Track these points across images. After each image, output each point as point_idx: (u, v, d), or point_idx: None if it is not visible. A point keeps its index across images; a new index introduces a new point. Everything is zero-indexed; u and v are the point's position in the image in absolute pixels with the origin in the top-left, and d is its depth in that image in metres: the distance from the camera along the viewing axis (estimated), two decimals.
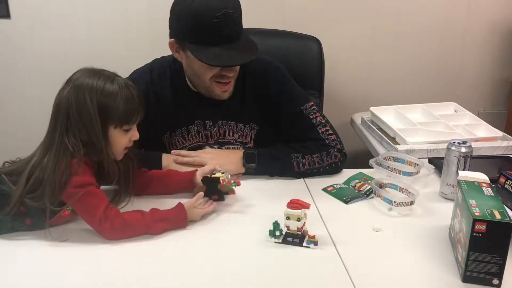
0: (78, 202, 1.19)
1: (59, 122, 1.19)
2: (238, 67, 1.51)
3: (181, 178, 1.42)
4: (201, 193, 1.32)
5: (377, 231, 1.28)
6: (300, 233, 1.21)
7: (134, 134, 1.29)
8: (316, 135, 1.57)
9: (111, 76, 1.24)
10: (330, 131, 1.59)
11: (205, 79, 1.49)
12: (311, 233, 1.21)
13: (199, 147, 1.60)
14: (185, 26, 1.42)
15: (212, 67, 1.44)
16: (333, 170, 1.57)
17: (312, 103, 1.61)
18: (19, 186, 1.18)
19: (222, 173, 1.36)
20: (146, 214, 1.24)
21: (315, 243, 1.19)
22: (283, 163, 1.54)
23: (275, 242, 1.21)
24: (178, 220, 1.26)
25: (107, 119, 1.22)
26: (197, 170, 1.41)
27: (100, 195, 1.22)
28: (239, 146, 1.62)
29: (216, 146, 1.61)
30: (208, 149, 1.58)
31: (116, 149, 1.27)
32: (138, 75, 1.58)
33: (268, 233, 1.22)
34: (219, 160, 1.48)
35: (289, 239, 1.21)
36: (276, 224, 1.21)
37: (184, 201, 1.30)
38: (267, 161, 1.54)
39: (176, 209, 1.27)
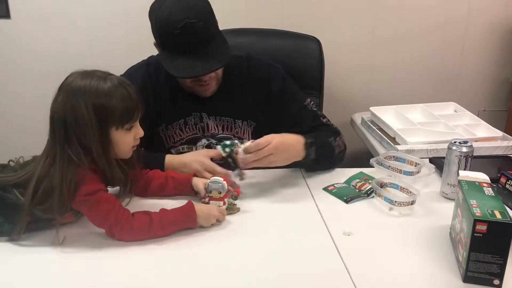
0: (89, 209, 1.18)
1: (57, 132, 1.16)
2: (216, 71, 1.52)
3: (177, 183, 1.40)
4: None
5: (377, 231, 1.28)
6: (239, 166, 1.38)
7: (138, 132, 1.25)
8: (323, 122, 1.64)
9: (103, 76, 1.19)
10: (330, 122, 1.67)
11: (184, 82, 1.54)
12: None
13: (196, 140, 1.62)
14: (154, 34, 1.48)
15: None
16: (344, 154, 1.63)
17: (310, 99, 1.67)
18: (27, 199, 1.15)
19: (219, 192, 1.32)
20: (154, 220, 1.20)
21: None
22: (328, 149, 1.56)
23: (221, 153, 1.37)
24: (187, 221, 1.24)
25: (106, 122, 1.17)
26: (194, 175, 1.41)
27: (111, 200, 1.20)
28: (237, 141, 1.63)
29: (214, 141, 1.62)
30: (273, 141, 1.40)
31: (123, 150, 1.23)
32: (134, 69, 1.63)
33: (222, 145, 1.37)
34: (281, 156, 1.41)
35: (229, 160, 1.38)
36: (232, 145, 1.37)
37: (184, 202, 1.30)
38: (319, 149, 1.51)
39: (185, 210, 1.25)
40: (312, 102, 1.66)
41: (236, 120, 1.62)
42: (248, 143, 1.37)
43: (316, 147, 1.50)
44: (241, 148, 1.36)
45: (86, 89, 1.15)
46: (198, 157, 1.48)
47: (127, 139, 1.23)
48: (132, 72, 1.61)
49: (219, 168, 1.43)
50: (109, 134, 1.19)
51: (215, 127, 1.62)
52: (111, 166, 1.21)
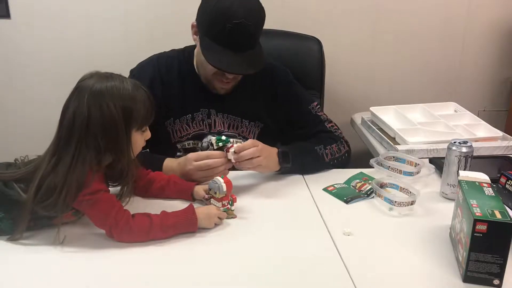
0: (89, 208, 1.18)
1: (76, 132, 1.15)
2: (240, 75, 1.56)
3: (179, 189, 1.40)
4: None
5: (377, 231, 1.28)
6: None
7: (147, 134, 1.28)
8: (325, 128, 1.66)
9: (122, 79, 1.21)
10: (336, 126, 1.69)
11: (208, 72, 1.55)
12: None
13: (202, 136, 1.63)
14: (205, 19, 1.49)
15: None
16: (347, 159, 1.65)
17: (316, 102, 1.71)
18: (30, 195, 1.15)
19: (215, 193, 1.32)
20: (154, 222, 1.20)
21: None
22: (313, 156, 1.57)
23: (213, 140, 1.41)
24: (187, 226, 1.23)
25: (130, 123, 1.19)
26: (197, 183, 1.41)
27: (111, 200, 1.20)
28: (242, 140, 1.64)
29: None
30: (256, 146, 1.45)
31: (136, 150, 1.25)
32: (145, 63, 1.65)
33: (217, 137, 1.40)
34: (266, 161, 1.46)
35: None
36: (226, 141, 1.39)
37: (185, 203, 1.29)
38: (300, 156, 1.55)
39: (186, 214, 1.24)
40: (318, 106, 1.70)
41: (244, 120, 1.65)
42: (239, 144, 1.42)
43: (293, 157, 1.53)
44: (232, 148, 1.39)
45: (113, 90, 1.17)
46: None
47: (140, 141, 1.26)
48: (143, 65, 1.64)
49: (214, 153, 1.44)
50: (131, 135, 1.21)
51: (222, 124, 1.64)
52: (130, 165, 1.22)
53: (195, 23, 1.54)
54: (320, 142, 1.60)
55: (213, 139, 1.43)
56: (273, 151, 1.52)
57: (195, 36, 1.56)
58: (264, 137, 1.64)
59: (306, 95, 1.72)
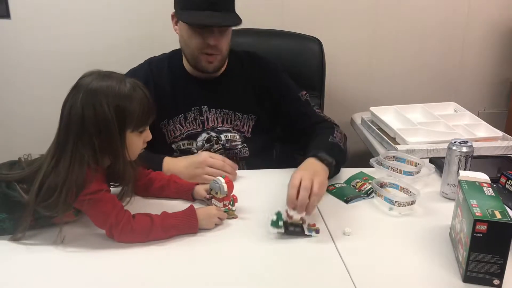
0: (90, 208, 1.18)
1: (72, 131, 1.15)
2: (223, 42, 1.55)
3: (179, 188, 1.40)
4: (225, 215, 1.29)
5: (377, 231, 1.28)
6: (300, 222, 1.23)
7: (148, 135, 1.26)
8: (319, 116, 1.67)
9: (122, 78, 1.20)
10: (322, 114, 1.71)
11: (193, 48, 1.55)
12: (310, 222, 1.24)
13: (196, 135, 1.64)
14: None
15: (196, 32, 1.51)
16: (346, 141, 1.63)
17: (305, 92, 1.71)
18: (31, 196, 1.15)
19: (216, 193, 1.31)
20: (155, 223, 1.20)
21: (317, 231, 1.23)
22: (339, 149, 1.54)
23: (278, 232, 1.21)
24: (188, 227, 1.23)
25: (124, 124, 1.18)
26: (197, 184, 1.41)
27: (112, 200, 1.20)
28: (236, 134, 1.65)
29: (215, 134, 1.64)
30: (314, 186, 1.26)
31: (133, 152, 1.23)
32: (137, 68, 1.67)
33: (270, 223, 1.21)
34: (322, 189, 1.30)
35: (291, 228, 1.22)
36: (279, 214, 1.22)
37: (186, 203, 1.29)
38: (331, 155, 1.44)
39: (187, 215, 1.24)
40: (306, 94, 1.70)
41: (237, 113, 1.65)
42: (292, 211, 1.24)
43: (333, 158, 1.42)
44: (290, 211, 1.24)
45: (108, 90, 1.16)
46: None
47: (138, 142, 1.24)
48: (136, 71, 1.64)
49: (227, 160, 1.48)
50: (125, 136, 1.19)
51: (215, 120, 1.64)
52: (126, 167, 1.21)
53: (173, 12, 1.57)
54: (330, 131, 1.57)
55: (271, 228, 1.22)
56: (322, 169, 1.36)
57: (176, 27, 1.59)
58: (258, 130, 1.67)
59: (294, 85, 1.72)
